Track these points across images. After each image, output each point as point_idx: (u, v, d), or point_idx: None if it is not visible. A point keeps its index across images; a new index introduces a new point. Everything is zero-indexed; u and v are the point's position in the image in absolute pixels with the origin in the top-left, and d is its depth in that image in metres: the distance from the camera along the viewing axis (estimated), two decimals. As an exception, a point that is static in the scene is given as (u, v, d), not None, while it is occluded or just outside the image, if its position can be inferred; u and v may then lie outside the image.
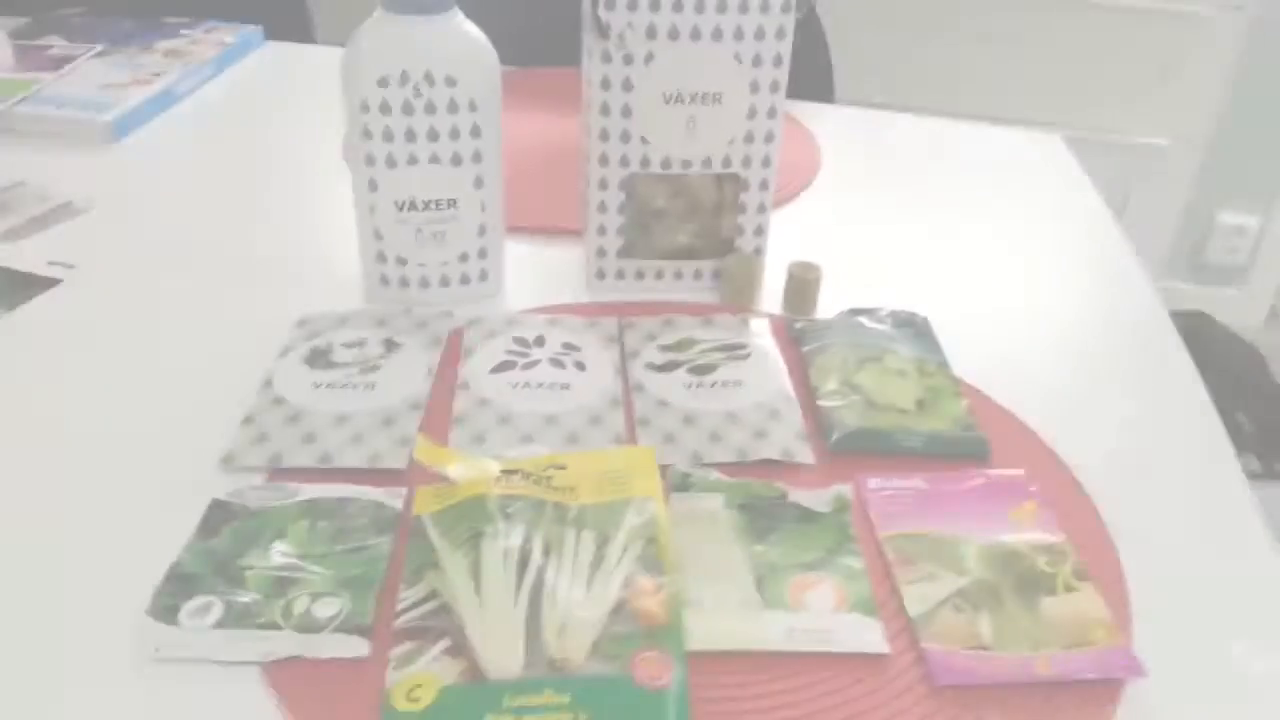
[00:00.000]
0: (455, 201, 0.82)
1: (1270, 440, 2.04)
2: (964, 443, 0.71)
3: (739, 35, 0.79)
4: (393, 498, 0.63)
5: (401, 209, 0.81)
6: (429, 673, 0.52)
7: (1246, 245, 2.45)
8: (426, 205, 0.81)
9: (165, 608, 0.54)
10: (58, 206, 0.96)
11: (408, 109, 0.77)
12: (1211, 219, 2.44)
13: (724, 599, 0.58)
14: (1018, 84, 2.16)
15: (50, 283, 0.85)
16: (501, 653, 0.53)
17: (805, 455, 0.70)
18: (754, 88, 0.81)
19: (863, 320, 0.83)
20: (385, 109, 0.76)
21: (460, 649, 0.53)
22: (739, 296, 0.87)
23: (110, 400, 0.73)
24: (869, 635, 0.57)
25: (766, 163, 0.84)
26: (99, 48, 1.26)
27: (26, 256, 0.88)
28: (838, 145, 1.16)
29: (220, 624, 0.54)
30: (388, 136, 0.77)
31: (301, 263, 0.90)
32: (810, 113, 1.24)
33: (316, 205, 1.00)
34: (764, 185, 0.86)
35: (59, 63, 1.21)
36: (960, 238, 1.01)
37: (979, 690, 0.55)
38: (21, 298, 0.83)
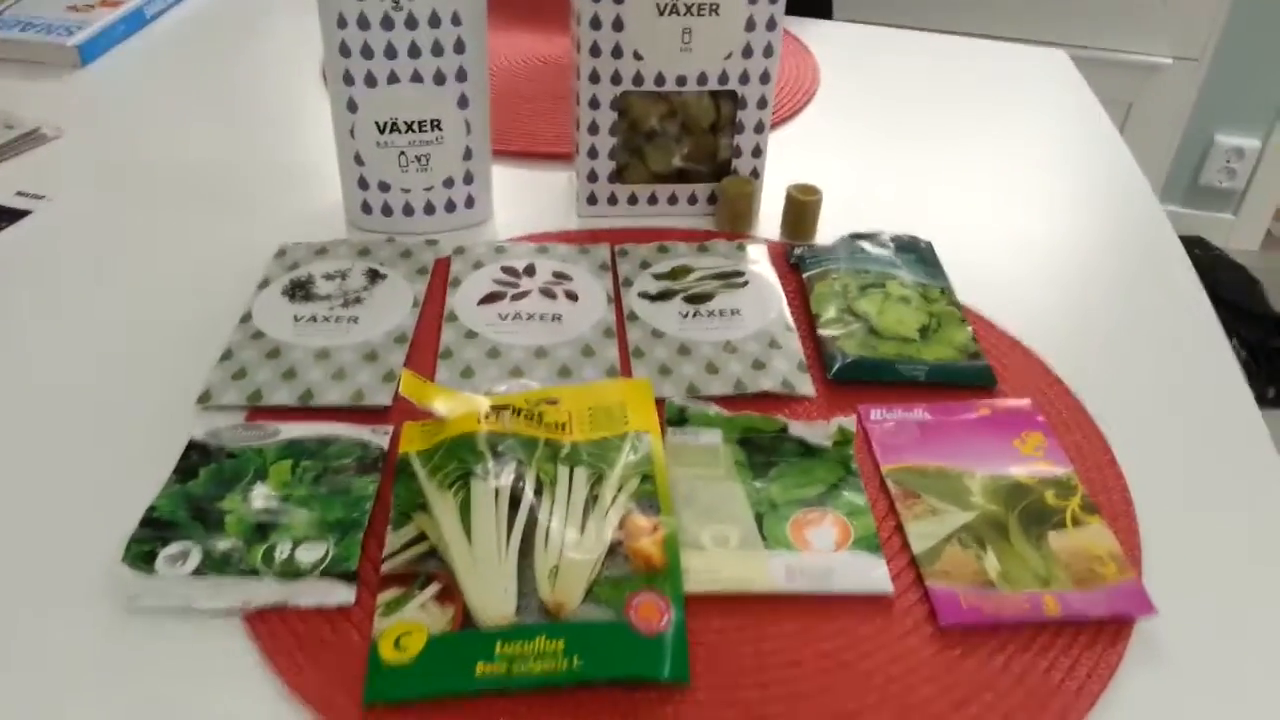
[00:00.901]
0: (439, 122, 0.78)
1: (1263, 366, 2.02)
2: (969, 372, 0.69)
3: (735, -58, 0.74)
4: (378, 436, 0.61)
5: (383, 131, 0.77)
6: (417, 620, 0.50)
7: (1244, 169, 2.40)
8: (409, 127, 0.78)
9: (141, 555, 0.52)
10: (25, 134, 0.92)
11: (387, 23, 0.72)
12: (1210, 140, 2.38)
13: (723, 538, 0.56)
14: (1017, 2, 2.09)
15: (19, 214, 0.82)
16: (493, 598, 0.51)
17: (805, 386, 0.68)
18: (751, -2, 0.77)
19: (864, 245, 0.80)
20: (363, 23, 0.72)
21: (450, 594, 0.51)
22: (736, 221, 0.84)
23: (81, 337, 0.70)
24: (872, 574, 0.55)
25: (765, 79, 0.81)
26: (63, -36, 1.20)
27: (-7, 186, 0.85)
28: (837, 64, 1.12)
29: (198, 571, 0.52)
30: (366, 53, 0.73)
31: (280, 191, 0.87)
32: (808, 30, 1.19)
33: (295, 130, 0.96)
34: (762, 103, 0.82)
35: (22, -19, 1.16)
36: (965, 158, 0.97)
37: (985, 630, 0.53)
38: (-12, 230, 0.80)
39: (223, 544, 0.53)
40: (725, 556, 0.55)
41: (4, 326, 0.70)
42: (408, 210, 0.81)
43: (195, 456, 0.59)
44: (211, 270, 0.76)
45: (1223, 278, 2.20)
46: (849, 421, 0.63)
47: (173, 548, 0.53)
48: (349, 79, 0.75)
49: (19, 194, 0.84)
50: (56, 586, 0.53)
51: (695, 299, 0.75)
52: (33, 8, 1.11)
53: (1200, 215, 2.49)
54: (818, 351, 0.71)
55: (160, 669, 0.49)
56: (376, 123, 0.77)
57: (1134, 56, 2.11)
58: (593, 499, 0.56)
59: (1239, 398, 0.70)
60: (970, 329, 0.72)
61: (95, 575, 0.53)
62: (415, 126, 0.78)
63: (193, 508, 0.55)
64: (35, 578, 0.53)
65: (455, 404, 0.61)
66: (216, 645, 0.50)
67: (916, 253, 0.80)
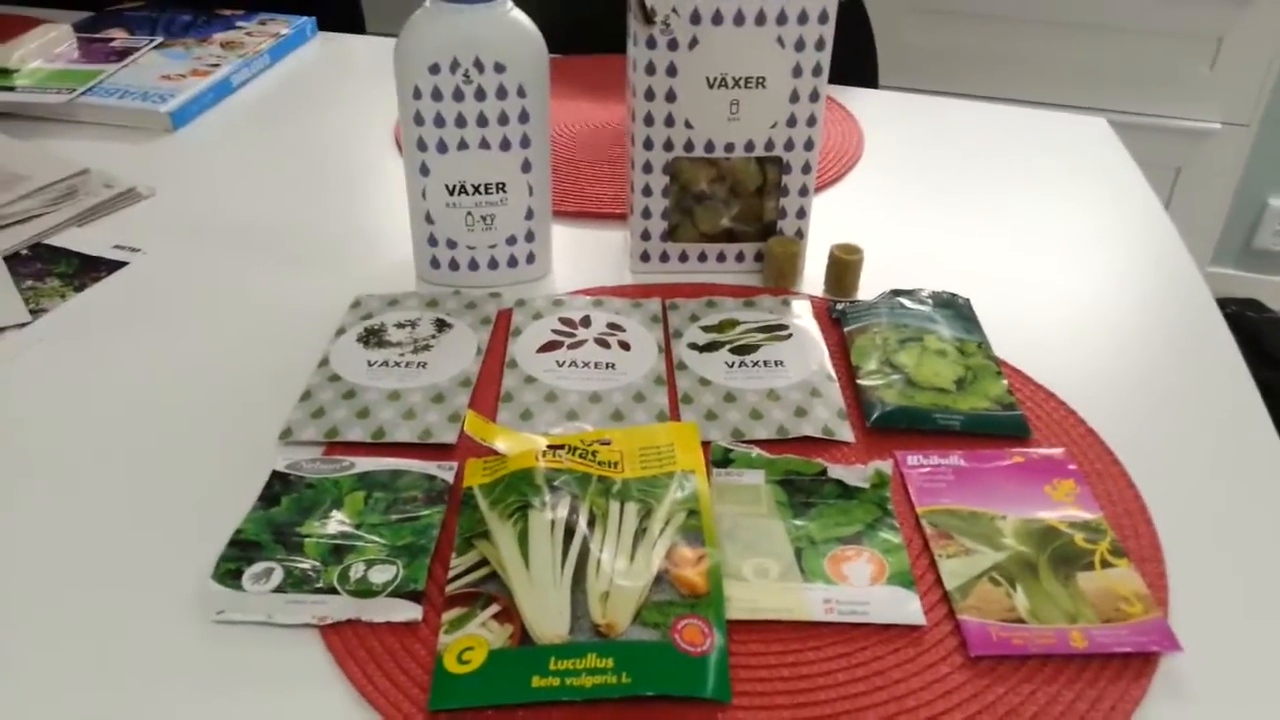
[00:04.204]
0: (504, 185, 0.84)
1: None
2: (1004, 422, 0.72)
3: (782, 19, 0.80)
4: (444, 471, 0.66)
5: (452, 193, 0.83)
6: (479, 636, 0.54)
7: (1298, 231, 2.40)
8: (476, 189, 0.83)
9: (229, 573, 0.57)
10: (122, 193, 0.99)
11: (458, 95, 0.79)
12: (1263, 204, 2.39)
13: (764, 571, 0.60)
14: (1063, 68, 2.13)
15: (117, 265, 0.89)
16: (548, 618, 0.55)
17: (845, 433, 0.71)
18: (796, 71, 0.82)
19: (904, 301, 0.84)
20: (436, 95, 0.78)
21: (508, 614, 0.55)
22: (781, 278, 0.89)
23: (174, 378, 0.76)
24: (906, 607, 0.58)
25: (809, 146, 0.86)
26: (158, 39, 1.30)
27: (94, 240, 0.92)
28: (881, 129, 1.17)
29: (280, 588, 0.56)
30: (439, 122, 0.80)
31: (355, 247, 0.93)
32: (853, 97, 1.25)
33: (369, 191, 1.02)
34: (806, 168, 0.87)
35: (120, 55, 1.25)
36: (1003, 221, 1.01)
37: (1014, 662, 0.56)
38: (90, 279, 0.87)
39: (302, 564, 0.58)
40: (766, 587, 0.59)
41: (105, 368, 0.77)
42: (473, 265, 0.87)
43: (277, 486, 0.64)
44: (292, 319, 0.82)
45: (1274, 338, 2.20)
46: (886, 465, 0.66)
47: (257, 567, 0.58)
48: (422, 145, 0.81)
49: (116, 247, 0.91)
50: (152, 600, 0.58)
51: (741, 350, 0.79)
52: (129, 77, 1.20)
53: (1254, 278, 2.49)
54: (857, 400, 0.75)
55: (244, 677, 0.54)
56: (446, 185, 0.83)
57: (1182, 123, 2.14)
58: (641, 531, 0.60)
59: (1270, 454, 0.72)
60: (1005, 381, 0.76)
61: (188, 591, 0.58)
62: (482, 189, 0.83)
63: (275, 531, 0.60)
64: (134, 593, 0.58)
65: (515, 443, 0.66)
66: (295, 655, 0.55)
67: (954, 309, 0.84)
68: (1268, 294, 2.44)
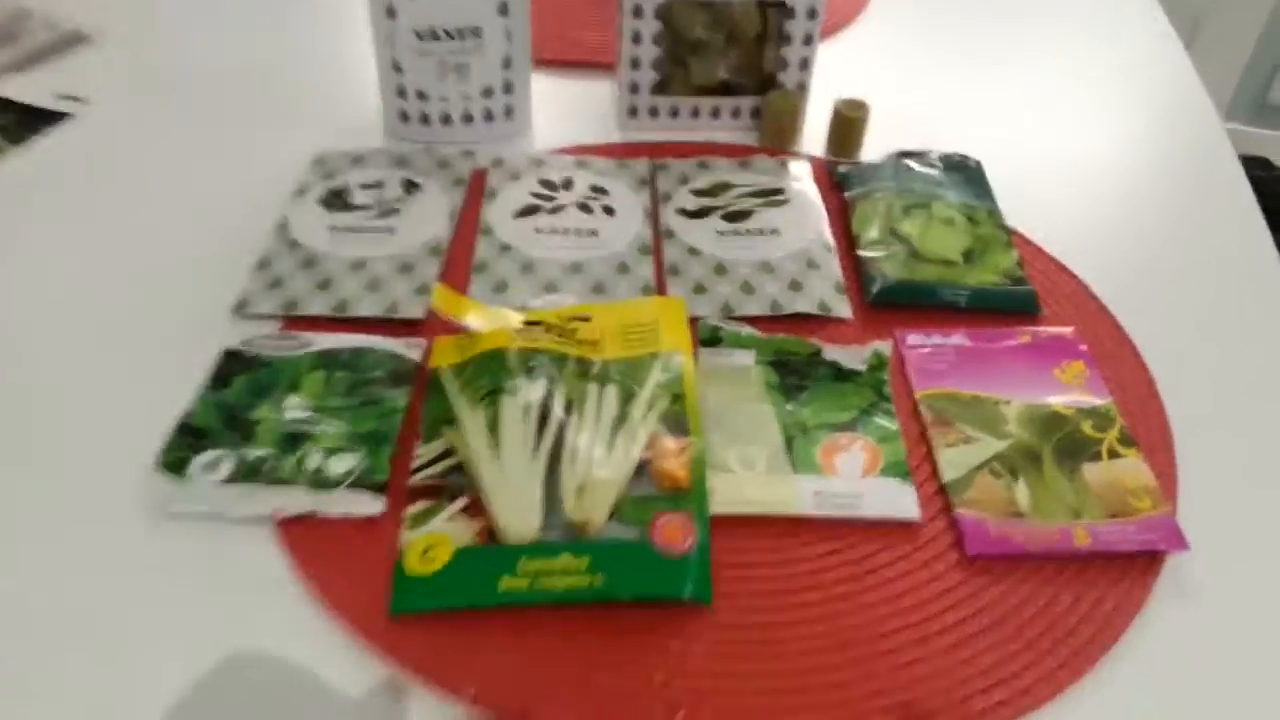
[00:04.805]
0: (479, 30, 0.76)
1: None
2: (1012, 297, 0.67)
3: None
4: (410, 349, 0.61)
5: (422, 38, 0.76)
6: (443, 533, 0.51)
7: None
8: (448, 34, 0.76)
9: (175, 461, 0.53)
10: (66, 35, 0.91)
11: (422, -73, 0.71)
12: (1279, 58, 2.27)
13: (751, 461, 0.56)
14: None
15: (59, 117, 0.82)
16: (518, 514, 0.51)
17: (842, 309, 0.66)
18: (802, -98, 0.73)
19: (911, 164, 0.78)
20: (398, -73, 0.70)
21: (477, 508, 0.52)
22: (779, 137, 0.82)
23: (119, 242, 0.70)
24: (900, 500, 0.55)
25: (814, -12, 0.78)
26: None
27: (34, 89, 0.85)
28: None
29: (231, 479, 0.53)
30: (402, -42, 0.72)
31: (318, 98, 0.86)
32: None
33: (334, 36, 0.94)
34: (812, 13, 0.79)
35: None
36: (1021, 73, 0.93)
37: (1011, 560, 0.53)
38: (29, 133, 0.80)
39: (255, 453, 0.54)
40: (752, 479, 0.55)
41: (42, 232, 0.71)
42: (445, 120, 0.80)
43: (230, 365, 0.59)
44: (247, 177, 0.76)
45: (1281, 198, 2.12)
46: (885, 346, 0.62)
47: (206, 455, 0.54)
48: (386, -17, 0.73)
49: (59, 97, 0.84)
50: (92, 492, 0.54)
51: (734, 216, 0.73)
52: (74, -96, 1.09)
53: (1267, 134, 2.39)
54: (857, 273, 0.69)
55: (192, 574, 0.50)
56: (415, 30, 0.75)
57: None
58: (621, 418, 0.56)
59: (1293, 331, 0.68)
60: (1016, 253, 0.70)
61: (131, 481, 0.54)
62: (454, 34, 0.76)
63: (226, 416, 0.56)
64: (71, 484, 0.54)
65: (487, 319, 0.61)
66: (248, 552, 0.51)
67: (965, 172, 0.77)
68: (1277, 151, 2.34)
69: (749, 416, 0.58)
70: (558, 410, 0.56)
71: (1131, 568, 0.52)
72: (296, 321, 0.64)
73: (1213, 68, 2.07)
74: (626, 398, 0.57)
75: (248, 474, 0.53)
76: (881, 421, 0.59)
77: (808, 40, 0.80)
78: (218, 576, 0.50)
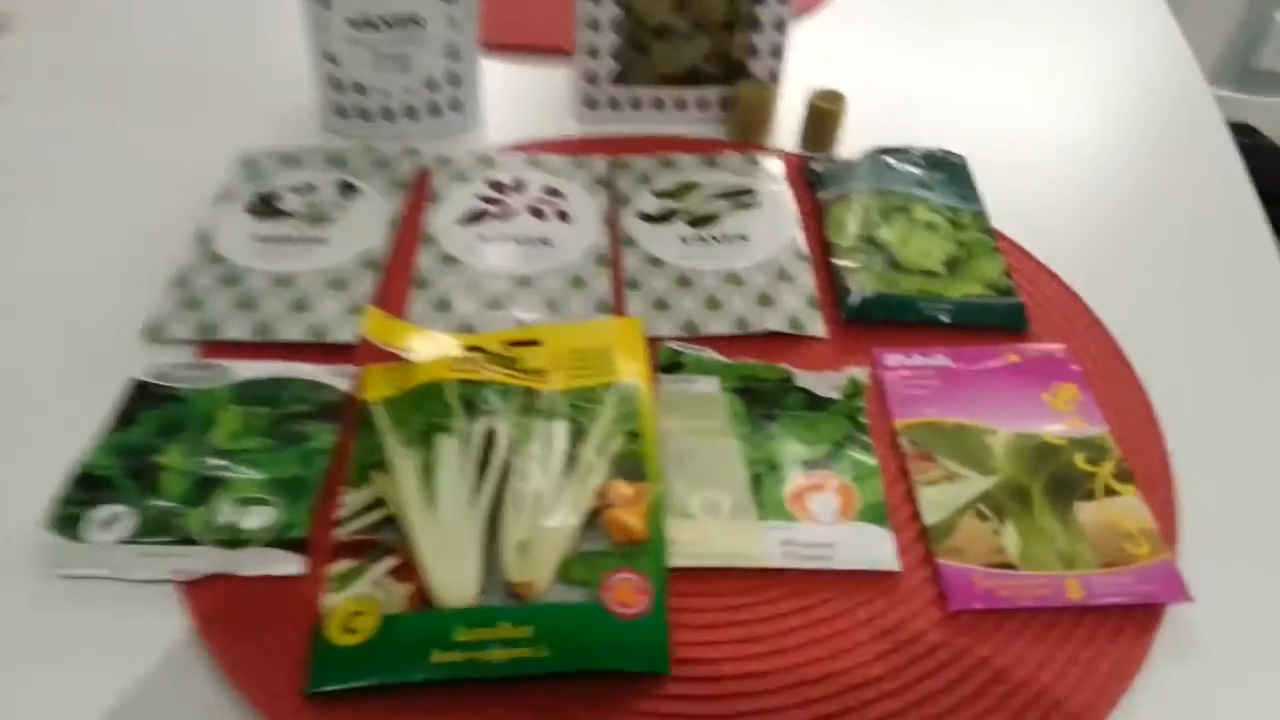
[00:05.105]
0: (420, 18, 0.70)
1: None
2: (999, 311, 0.62)
3: None
4: (339, 378, 0.56)
5: (358, 27, 0.69)
6: (370, 597, 0.46)
7: (1305, 48, 2.23)
8: (386, 22, 0.70)
9: (67, 519, 0.47)
10: (-24, 20, 0.84)
11: (353, -95, 0.64)
12: (1267, 19, 2.22)
13: (714, 506, 0.51)
14: None
15: (-35, 112, 0.75)
16: (454, 575, 0.46)
17: (815, 326, 0.61)
18: (770, -123, 0.67)
19: (890, 161, 0.72)
20: (326, -95, 0.64)
21: (408, 570, 0.46)
22: (750, 131, 0.76)
23: (15, 252, 0.64)
24: (877, 550, 0.50)
25: (784, -30, 0.72)
26: None
27: (-62, 80, 0.78)
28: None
29: (130, 538, 0.47)
30: (331, -61, 0.65)
31: (246, 91, 0.79)
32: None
33: (265, 25, 0.87)
34: (781, -3, 0.73)
35: None
36: (1004, 56, 0.88)
37: (999, 615, 0.48)
38: (-70, 131, 0.73)
39: (159, 504, 0.48)
40: (716, 528, 0.50)
41: (-56, 243, 0.65)
42: (386, 115, 0.74)
43: (137, 400, 0.54)
44: (166, 181, 0.69)
45: (1268, 168, 2.07)
46: (861, 373, 0.57)
47: (102, 511, 0.48)
48: (316, -34, 0.67)
49: (-32, 89, 0.77)
50: (-19, 547, 0.48)
51: (699, 221, 0.68)
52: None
53: (1250, 100, 2.34)
54: (831, 284, 0.64)
55: (83, 644, 0.45)
56: (349, 18, 0.69)
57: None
58: (571, 459, 0.51)
59: (1299, 344, 0.63)
60: (1002, 260, 0.65)
61: (19, 537, 0.48)
62: (393, 22, 0.70)
63: (128, 462, 0.50)
64: (-39, 536, 0.49)
65: (424, 344, 0.56)
66: (147, 616, 0.46)
67: (949, 170, 0.72)
68: (1263, 118, 2.30)
69: (712, 453, 0.53)
70: (500, 452, 0.50)
71: (1128, 622, 0.48)
72: (214, 347, 0.58)
73: (1198, 32, 2.02)
74: (577, 435, 0.52)
75: (149, 530, 0.47)
76: (858, 456, 0.53)
77: (779, 26, 0.74)
78: (112, 647, 0.45)
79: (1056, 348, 0.60)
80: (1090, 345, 0.61)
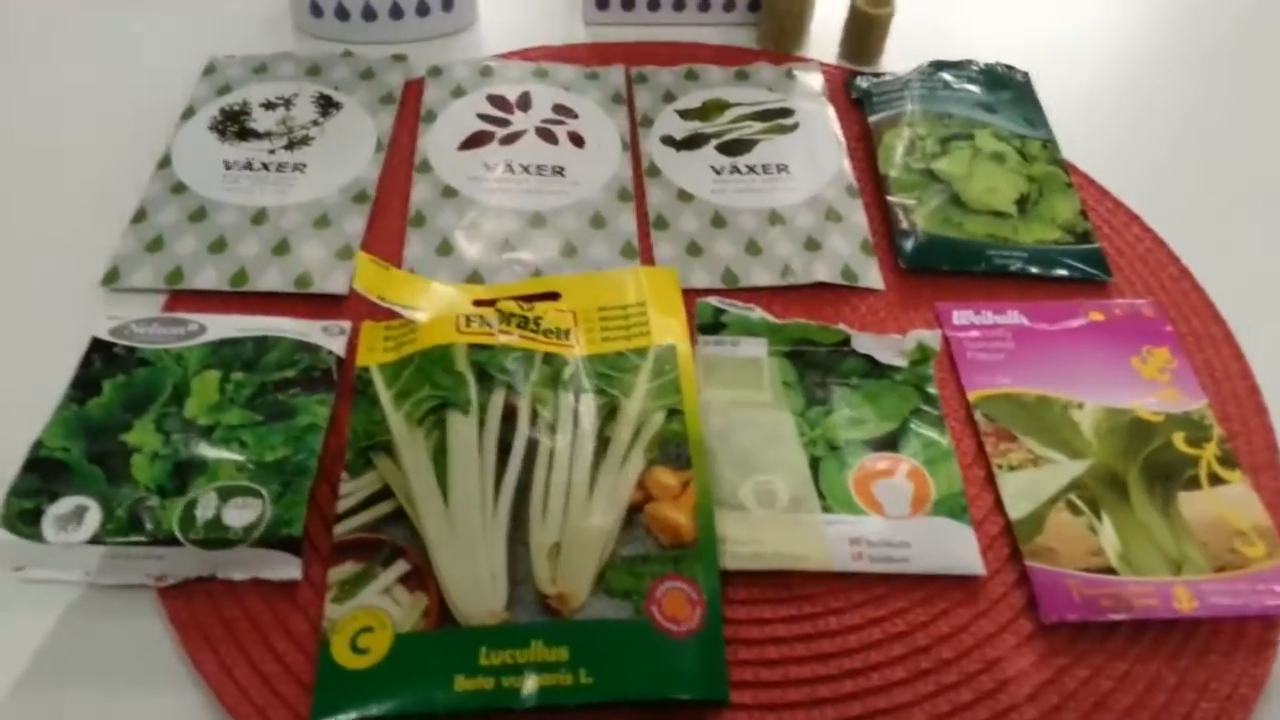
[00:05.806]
0: (408, -101, 0.60)
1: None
2: (1077, 258, 0.55)
3: None
4: (332, 336, 0.48)
5: (336, -92, 0.60)
6: (380, 610, 0.39)
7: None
8: (369, -96, 0.60)
9: (24, 514, 0.40)
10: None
11: None
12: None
13: (769, 496, 0.44)
14: None
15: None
16: (476, 586, 0.39)
17: (871, 277, 0.54)
18: None
19: (947, 78, 0.64)
20: None
21: (422, 577, 0.40)
22: (783, 38, 0.67)
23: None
24: (958, 549, 0.43)
25: None
26: None
27: None
28: None
29: (97, 537, 0.39)
30: None
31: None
32: None
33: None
34: (827, -117, 0.63)
35: None
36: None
37: (1100, 628, 0.42)
38: None
39: (129, 497, 0.40)
40: (772, 522, 0.43)
41: None
42: (369, 14, 0.64)
43: (98, 363, 0.46)
44: (123, 94, 0.60)
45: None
46: (931, 337, 0.49)
47: (64, 504, 0.40)
48: None
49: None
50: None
51: (732, 148, 0.60)
52: None
53: None
54: (885, 223, 0.57)
55: (54, 656, 0.38)
56: (326, -103, 0.59)
57: None
58: (604, 442, 0.44)
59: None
60: (1078, 198, 0.58)
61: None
62: (378, -98, 0.60)
63: (91, 442, 0.42)
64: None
65: (428, 300, 0.48)
66: (125, 630, 0.39)
67: (1012, 89, 0.64)
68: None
69: (763, 430, 0.46)
70: (522, 435, 0.43)
71: (1243, 637, 0.42)
72: (183, 298, 0.50)
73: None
74: (609, 413, 0.45)
75: (120, 528, 0.39)
76: (929, 434, 0.47)
77: (821, -84, 0.65)
78: (88, 658, 0.38)
79: (1143, 303, 0.54)
80: (1180, 302, 0.54)
